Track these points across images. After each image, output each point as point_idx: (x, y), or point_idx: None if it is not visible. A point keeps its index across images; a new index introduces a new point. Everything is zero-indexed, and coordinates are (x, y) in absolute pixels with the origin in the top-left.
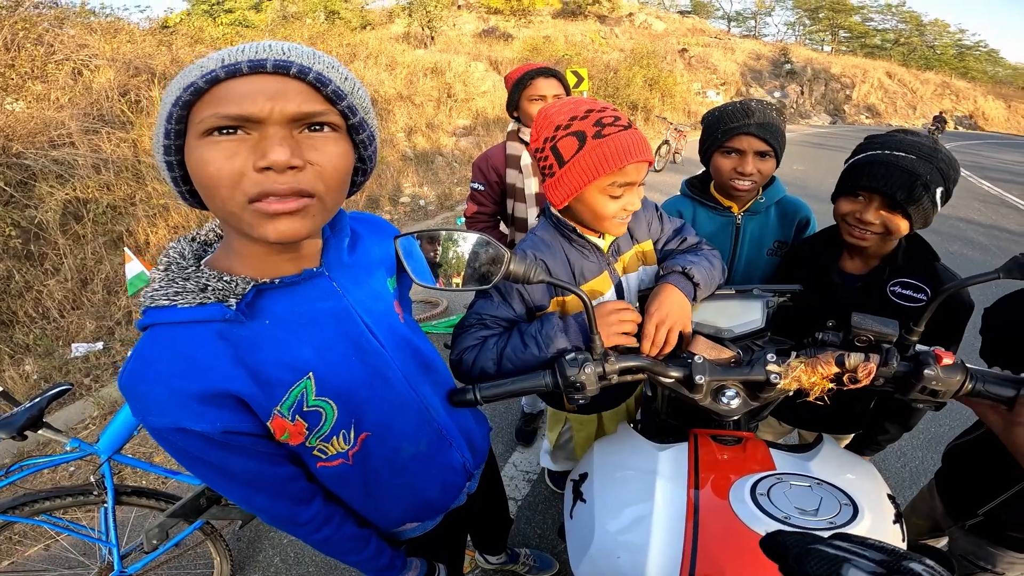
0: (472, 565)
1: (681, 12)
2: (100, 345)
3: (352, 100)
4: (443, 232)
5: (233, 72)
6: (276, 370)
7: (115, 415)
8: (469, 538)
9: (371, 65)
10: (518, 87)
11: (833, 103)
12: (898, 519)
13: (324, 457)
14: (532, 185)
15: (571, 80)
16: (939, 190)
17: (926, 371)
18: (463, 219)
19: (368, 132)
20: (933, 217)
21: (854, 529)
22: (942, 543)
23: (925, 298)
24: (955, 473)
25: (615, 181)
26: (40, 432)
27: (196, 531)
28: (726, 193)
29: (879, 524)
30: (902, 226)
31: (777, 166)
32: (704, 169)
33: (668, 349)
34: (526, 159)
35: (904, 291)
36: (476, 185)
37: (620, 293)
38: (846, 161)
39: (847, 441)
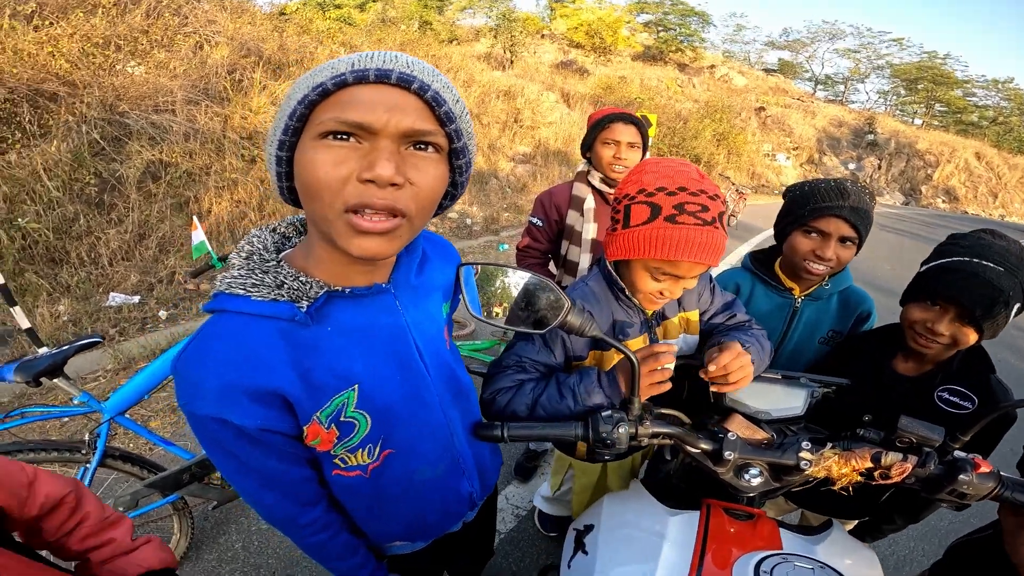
0: None
1: (766, 70)
2: (136, 299)
3: (460, 124)
4: (507, 268)
5: (360, 78)
6: (326, 377)
7: (131, 378)
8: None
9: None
10: (595, 128)
11: (911, 182)
12: None
13: (343, 466)
14: (590, 231)
15: None
16: (1017, 306)
17: (961, 476)
18: (505, 246)
19: (467, 159)
20: (1001, 332)
21: None
22: None
23: (971, 406)
24: (956, 570)
25: (662, 268)
26: (55, 380)
27: (167, 504)
28: (792, 274)
29: None
30: (971, 339)
31: (856, 254)
32: (772, 244)
33: (730, 388)
34: (590, 203)
35: (951, 398)
36: (535, 220)
37: None
38: (924, 263)
39: (851, 526)
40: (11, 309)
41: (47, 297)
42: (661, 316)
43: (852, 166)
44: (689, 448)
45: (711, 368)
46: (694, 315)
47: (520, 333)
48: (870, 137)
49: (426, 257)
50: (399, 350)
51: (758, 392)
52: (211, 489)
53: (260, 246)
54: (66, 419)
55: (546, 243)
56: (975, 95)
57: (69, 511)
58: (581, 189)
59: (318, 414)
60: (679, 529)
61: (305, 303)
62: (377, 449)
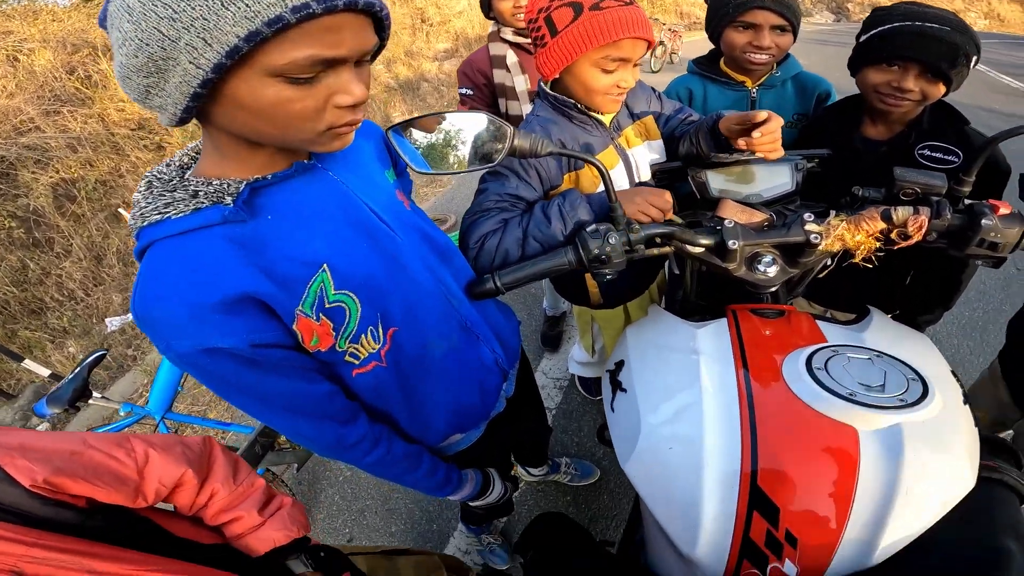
0: (516, 479)
1: None
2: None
3: (388, 12)
4: (439, 116)
5: (330, 9)
6: (289, 266)
7: (156, 374)
8: (512, 453)
9: None
10: None
11: (835, 1)
12: (966, 400)
13: (358, 363)
14: (522, 83)
15: None
16: (975, 58)
17: (984, 221)
18: None
19: (388, 27)
20: (964, 81)
21: (925, 409)
22: (1003, 436)
23: (957, 160)
24: (1021, 352)
25: (608, 55)
26: (91, 402)
27: None
28: (739, 68)
29: (951, 404)
30: (939, 91)
31: (794, 41)
32: (711, 49)
33: (774, 151)
34: (512, 58)
35: (934, 154)
36: (464, 90)
37: (629, 167)
38: (860, 35)
39: None
40: (21, 365)
41: (52, 345)
42: (617, 127)
43: None
44: (690, 248)
45: (756, 135)
46: (649, 120)
47: (489, 175)
48: None
49: None
50: (355, 218)
51: (742, 176)
52: (285, 453)
53: (157, 173)
54: (127, 431)
55: (483, 107)
56: None
57: (194, 490)
58: (498, 47)
59: (300, 307)
60: (711, 340)
61: (229, 199)
62: (380, 330)
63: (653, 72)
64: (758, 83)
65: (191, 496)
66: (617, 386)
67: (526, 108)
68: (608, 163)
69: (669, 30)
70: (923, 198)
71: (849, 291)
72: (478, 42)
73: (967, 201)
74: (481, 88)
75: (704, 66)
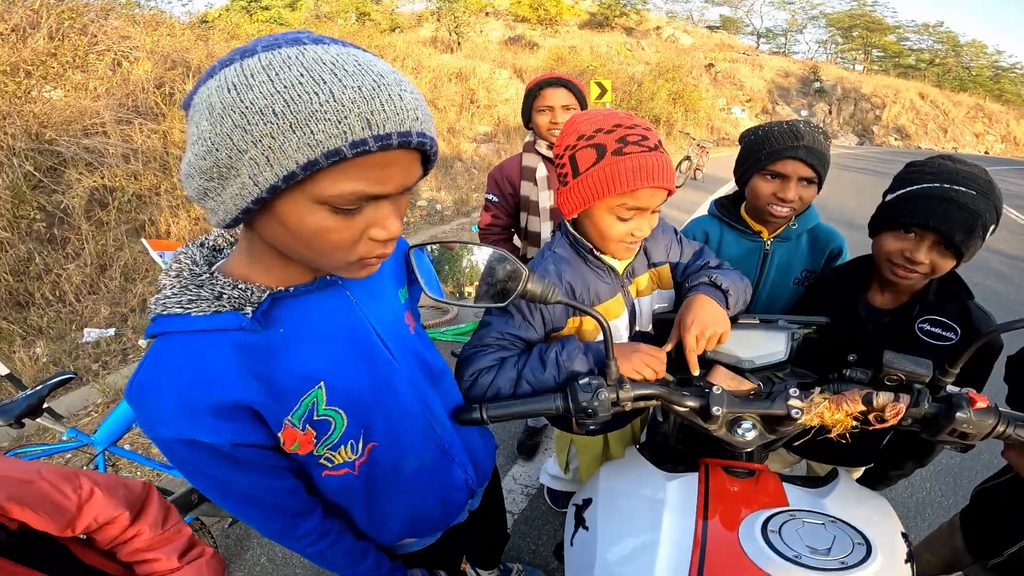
0: None
1: (710, 27)
2: (112, 331)
3: (436, 148)
4: (458, 244)
5: (385, 146)
6: (288, 379)
7: (115, 407)
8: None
9: (398, 68)
10: (529, 97)
11: (861, 123)
12: (909, 558)
13: (330, 466)
14: (546, 199)
15: (594, 91)
16: (992, 228)
17: (959, 414)
18: (477, 227)
19: (435, 161)
20: (976, 254)
21: (865, 570)
22: None
23: (955, 337)
24: (984, 514)
25: (625, 203)
26: (39, 420)
27: None
28: (758, 217)
29: (890, 564)
30: (948, 265)
31: (818, 193)
32: (736, 190)
33: (713, 344)
34: (541, 172)
35: (933, 329)
36: (491, 196)
37: (633, 316)
38: (887, 192)
39: (858, 474)
40: None
41: (22, 342)
42: (631, 273)
43: (805, 113)
44: (676, 407)
45: (669, 345)
46: (664, 269)
47: (495, 311)
48: (817, 85)
49: None
50: (359, 340)
51: (738, 340)
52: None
53: (189, 261)
54: (70, 455)
55: (506, 218)
56: (908, 39)
57: (120, 529)
58: (530, 159)
59: (289, 417)
60: (678, 493)
61: (249, 309)
62: (360, 444)
63: (677, 187)
64: (774, 235)
65: (116, 533)
66: (580, 523)
67: (546, 226)
68: (613, 312)
69: (698, 145)
70: (905, 384)
71: (826, 444)
72: (516, 132)
73: (948, 390)
74: (507, 198)
75: (725, 210)
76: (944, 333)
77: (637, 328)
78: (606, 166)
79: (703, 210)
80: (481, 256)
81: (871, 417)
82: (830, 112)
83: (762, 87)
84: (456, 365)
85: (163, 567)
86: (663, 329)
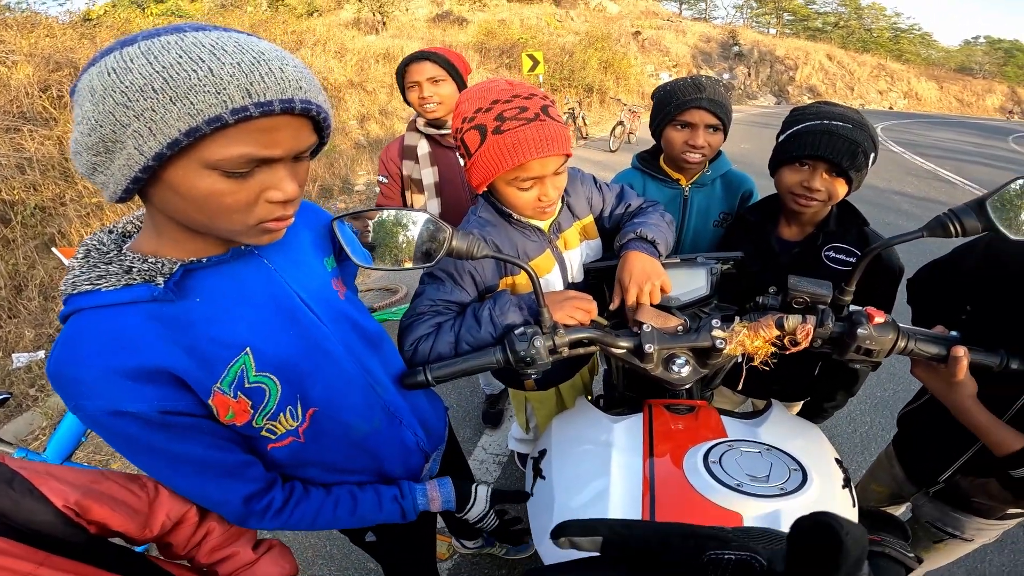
0: (450, 551)
1: None
2: (41, 354)
3: (328, 115)
4: (382, 211)
5: (266, 112)
6: (212, 347)
7: (60, 422)
8: (445, 524)
9: (319, 52)
10: (399, 77)
11: (778, 84)
12: (847, 484)
13: (274, 437)
14: (429, 175)
15: (527, 64)
16: (872, 155)
17: (859, 330)
18: None
19: (329, 128)
20: (863, 181)
21: (804, 495)
22: (902, 510)
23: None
24: (911, 439)
25: (517, 176)
26: None
27: None
28: (676, 166)
29: (828, 489)
30: (842, 191)
31: (724, 140)
32: (654, 144)
33: (656, 296)
34: (423, 148)
35: (838, 255)
36: (381, 178)
37: (564, 270)
38: (779, 134)
39: (797, 409)
40: None
41: None
42: (557, 229)
43: (727, 76)
44: (612, 349)
45: (614, 304)
46: (588, 220)
47: (427, 277)
48: (736, 49)
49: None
50: (283, 306)
51: None
52: None
53: (96, 243)
54: None
55: (399, 198)
56: (815, 3)
57: (192, 527)
58: (411, 137)
59: (218, 385)
60: (625, 434)
61: (161, 279)
62: (299, 410)
63: (612, 151)
64: (691, 181)
65: (189, 533)
66: (538, 473)
67: (432, 203)
68: (543, 267)
69: (629, 111)
70: (812, 307)
71: (765, 382)
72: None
73: (850, 309)
74: (395, 178)
75: (646, 162)
76: (847, 259)
77: (570, 280)
78: (489, 147)
79: None
80: (404, 220)
81: (786, 341)
82: (749, 74)
83: (686, 52)
84: (398, 338)
85: (241, 561)
86: (596, 278)
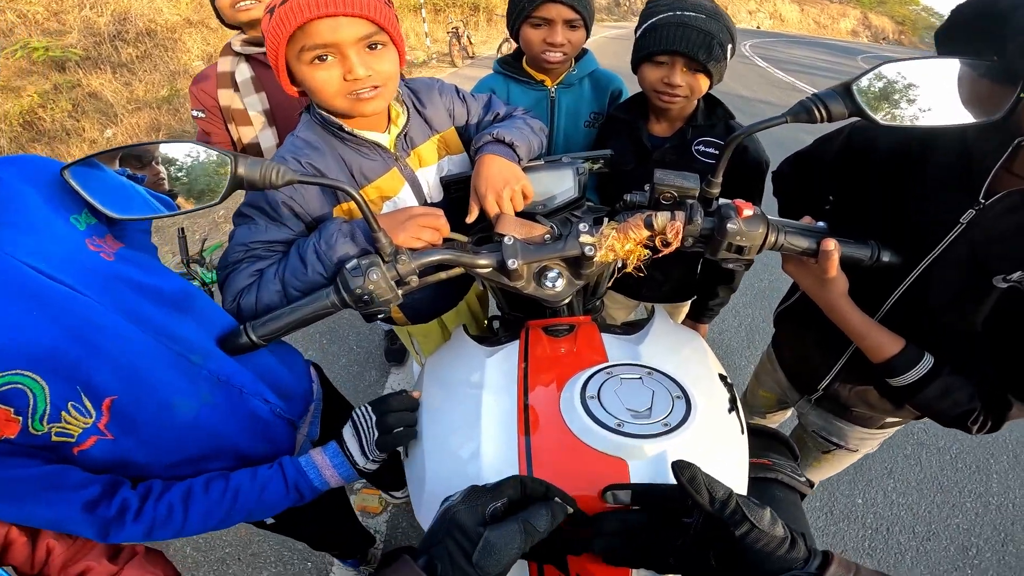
0: (382, 503)
1: None
2: None
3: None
4: (140, 148)
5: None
6: None
7: None
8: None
9: None
10: None
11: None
12: (732, 405)
13: (72, 440)
14: (256, 103)
15: None
16: (729, 46)
17: (729, 225)
18: None
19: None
20: (724, 73)
21: (687, 431)
22: (788, 414)
23: None
24: (789, 340)
25: (303, 45)
26: None
27: None
28: (538, 67)
29: (713, 416)
30: (704, 84)
31: (587, 37)
32: (516, 46)
33: (518, 204)
34: (243, 73)
35: (707, 149)
36: (196, 113)
37: (417, 189)
38: (636, 29)
39: (686, 309)
40: None
41: None
42: (409, 144)
43: None
44: (473, 270)
45: (472, 216)
46: (450, 133)
47: (237, 219)
48: None
49: None
50: (13, 287)
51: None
52: None
53: None
54: None
55: (224, 132)
56: None
57: (25, 546)
58: (227, 63)
59: None
60: (497, 371)
61: None
62: (86, 403)
63: (455, 68)
64: (557, 82)
65: (26, 552)
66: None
67: (265, 135)
68: (389, 188)
69: (453, 27)
70: (680, 202)
71: (652, 285)
72: None
73: (718, 202)
74: (213, 111)
75: (508, 66)
76: (716, 152)
77: (427, 200)
78: (273, 19)
79: None
80: (178, 154)
81: (657, 242)
82: None
83: None
84: (219, 291)
85: (101, 573)
86: (458, 189)
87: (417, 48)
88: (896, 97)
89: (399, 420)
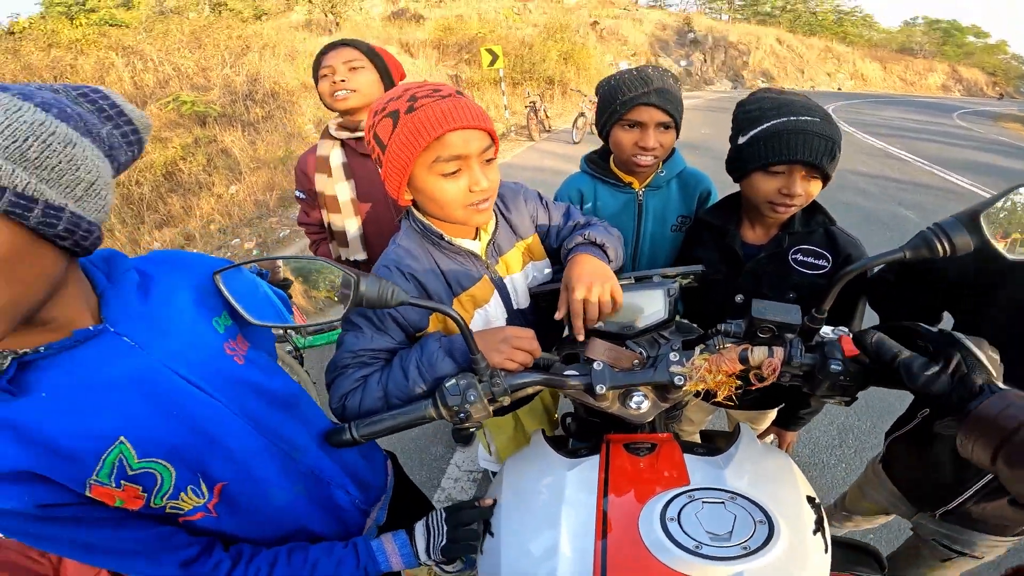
0: (431, 573)
1: None
2: None
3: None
4: (278, 261)
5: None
6: (75, 441)
7: None
8: None
9: (268, 56)
10: (315, 71)
11: (733, 69)
12: (819, 526)
13: (182, 512)
14: (346, 191)
15: (486, 59)
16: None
17: (832, 366)
18: None
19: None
20: None
21: (768, 554)
22: (891, 517)
23: (827, 264)
24: (906, 466)
25: (438, 156)
26: None
27: None
28: (627, 169)
29: (797, 540)
30: (817, 189)
31: (677, 137)
32: (603, 144)
33: (607, 313)
34: (337, 159)
35: (806, 258)
36: (299, 194)
37: (505, 297)
38: (736, 136)
39: (772, 416)
40: None
41: None
42: (497, 252)
43: (684, 63)
44: (563, 391)
45: (560, 312)
46: (533, 240)
47: (346, 325)
48: (691, 35)
49: (148, 278)
50: (157, 387)
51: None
52: None
53: None
54: None
55: (318, 215)
56: None
57: None
58: (324, 147)
59: (94, 477)
60: (577, 484)
61: None
62: (203, 488)
63: (575, 143)
64: (645, 184)
65: None
66: (487, 528)
67: (350, 223)
68: (481, 297)
69: (590, 101)
70: (778, 335)
71: (741, 392)
72: None
73: (821, 334)
74: (310, 195)
75: (595, 166)
76: (816, 261)
77: (515, 307)
78: (403, 127)
79: None
80: (303, 268)
81: (751, 376)
82: (705, 60)
83: (644, 41)
84: (327, 391)
85: None
86: (547, 300)
87: (497, 120)
88: None
89: (467, 535)
